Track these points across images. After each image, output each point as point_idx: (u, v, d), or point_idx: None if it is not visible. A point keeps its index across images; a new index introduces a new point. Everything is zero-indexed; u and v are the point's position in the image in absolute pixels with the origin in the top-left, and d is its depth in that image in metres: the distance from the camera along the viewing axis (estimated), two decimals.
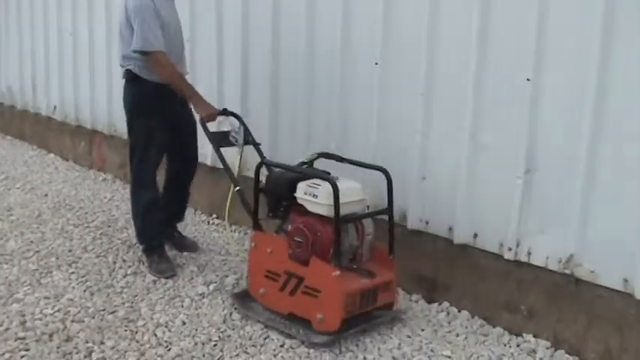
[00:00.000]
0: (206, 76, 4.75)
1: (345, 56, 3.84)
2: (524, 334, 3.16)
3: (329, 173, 3.21)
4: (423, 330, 3.23)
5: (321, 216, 3.09)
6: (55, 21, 6.43)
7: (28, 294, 3.48)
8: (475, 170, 3.31)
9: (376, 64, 3.66)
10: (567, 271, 2.99)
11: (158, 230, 3.95)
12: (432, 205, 3.52)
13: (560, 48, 2.96)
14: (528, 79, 3.04)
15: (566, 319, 3.04)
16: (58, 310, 3.30)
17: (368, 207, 3.41)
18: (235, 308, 3.39)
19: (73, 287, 3.60)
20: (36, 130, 7.10)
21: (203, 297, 3.51)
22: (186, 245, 4.20)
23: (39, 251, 4.10)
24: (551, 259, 3.05)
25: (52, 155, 6.71)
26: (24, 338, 3.03)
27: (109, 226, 4.58)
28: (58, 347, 2.97)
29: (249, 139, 3.73)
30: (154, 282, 3.70)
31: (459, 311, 3.41)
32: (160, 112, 3.77)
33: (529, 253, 3.13)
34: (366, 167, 3.38)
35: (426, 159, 3.51)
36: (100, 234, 4.45)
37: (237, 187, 3.48)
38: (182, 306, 3.42)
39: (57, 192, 5.43)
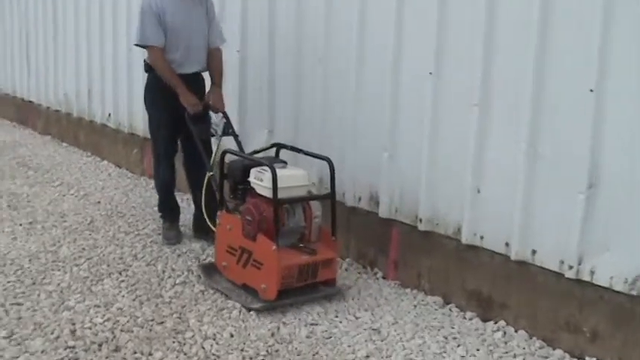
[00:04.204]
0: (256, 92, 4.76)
1: (397, 65, 3.75)
2: (586, 358, 3.00)
3: (285, 162, 3.66)
4: (477, 350, 3.10)
5: (267, 198, 3.48)
6: (110, 29, 6.53)
7: (79, 302, 3.51)
8: (533, 183, 3.17)
9: (430, 73, 3.56)
10: (634, 292, 2.83)
11: (172, 204, 4.56)
12: (488, 219, 3.39)
13: (624, 57, 2.81)
14: (591, 90, 2.90)
15: (632, 342, 2.86)
16: (108, 319, 3.31)
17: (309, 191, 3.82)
18: (200, 277, 3.80)
19: (123, 296, 3.60)
20: (90, 137, 7.22)
21: (250, 309, 3.46)
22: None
23: (90, 258, 4.14)
24: (616, 279, 2.89)
25: (105, 162, 6.81)
26: (73, 347, 3.03)
27: (159, 234, 4.59)
28: (106, 357, 2.96)
29: (228, 131, 4.19)
30: (202, 292, 3.67)
31: (516, 331, 3.27)
32: (166, 101, 4.18)
33: (592, 272, 2.97)
34: (313, 157, 3.78)
35: (481, 171, 3.39)
36: (150, 242, 4.47)
37: (211, 173, 3.97)
38: (230, 317, 3.38)
39: (109, 199, 5.50)
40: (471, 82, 3.37)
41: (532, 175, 3.17)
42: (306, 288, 3.53)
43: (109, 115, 6.76)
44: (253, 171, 3.60)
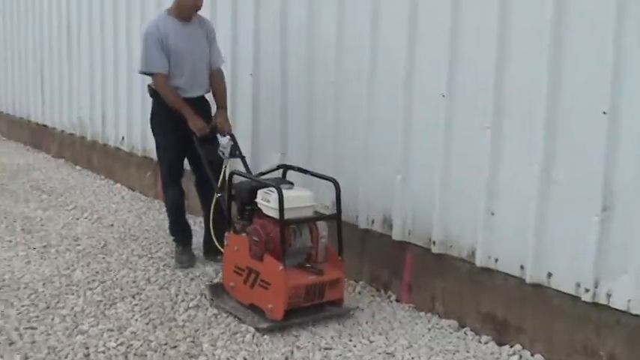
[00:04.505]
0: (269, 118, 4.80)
1: (409, 88, 3.77)
2: None
3: (291, 183, 3.72)
4: None
5: (273, 218, 3.52)
6: (125, 53, 6.60)
7: (93, 326, 3.51)
8: (547, 206, 3.17)
9: (443, 96, 3.57)
10: None
11: (183, 226, 4.57)
12: (502, 241, 3.38)
13: (638, 79, 2.81)
14: (605, 113, 2.90)
15: None
16: (121, 344, 3.30)
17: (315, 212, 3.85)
18: (211, 299, 3.82)
19: (136, 320, 3.60)
20: (104, 160, 7.26)
21: (264, 333, 3.45)
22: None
23: (104, 282, 4.14)
24: (633, 303, 2.86)
25: (118, 185, 6.83)
26: None
27: (172, 257, 4.59)
28: None
29: (236, 153, 4.23)
30: (216, 316, 3.67)
31: (532, 355, 3.23)
32: (172, 125, 4.25)
33: (609, 295, 2.94)
34: (319, 178, 3.83)
35: (495, 194, 3.38)
36: (163, 265, 4.47)
37: (219, 194, 4.03)
38: (243, 342, 3.37)
39: (122, 222, 5.52)
40: (484, 104, 3.38)
41: (546, 197, 3.16)
42: (313, 308, 3.55)
43: (123, 138, 6.80)
44: (260, 192, 3.65)
